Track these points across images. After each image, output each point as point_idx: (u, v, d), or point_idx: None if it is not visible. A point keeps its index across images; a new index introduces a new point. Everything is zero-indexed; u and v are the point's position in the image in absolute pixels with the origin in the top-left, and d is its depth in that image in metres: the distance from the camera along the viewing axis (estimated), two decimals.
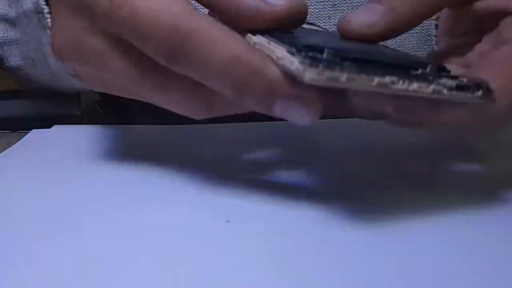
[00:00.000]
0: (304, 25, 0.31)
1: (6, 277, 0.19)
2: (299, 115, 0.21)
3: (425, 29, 0.37)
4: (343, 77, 0.19)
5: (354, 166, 0.28)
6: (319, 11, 0.35)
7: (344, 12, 0.35)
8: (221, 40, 0.21)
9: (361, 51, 0.21)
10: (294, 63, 0.19)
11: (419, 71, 0.21)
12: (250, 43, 0.22)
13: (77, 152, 0.30)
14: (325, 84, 0.19)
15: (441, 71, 0.21)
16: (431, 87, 0.20)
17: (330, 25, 0.36)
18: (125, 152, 0.30)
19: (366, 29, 0.23)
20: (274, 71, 0.21)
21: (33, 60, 0.37)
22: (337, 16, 0.36)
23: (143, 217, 0.23)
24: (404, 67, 0.21)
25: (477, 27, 0.27)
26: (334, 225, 0.22)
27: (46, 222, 0.23)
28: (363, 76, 0.19)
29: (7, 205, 0.25)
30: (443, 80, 0.20)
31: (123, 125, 0.35)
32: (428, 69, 0.21)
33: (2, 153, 0.31)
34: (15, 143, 0.33)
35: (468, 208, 0.23)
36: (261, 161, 0.28)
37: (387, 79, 0.19)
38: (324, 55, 0.19)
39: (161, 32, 0.21)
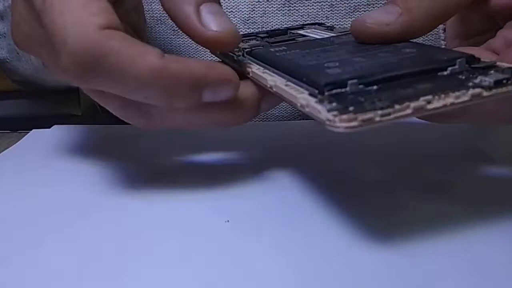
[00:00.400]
0: (308, 29, 0.31)
1: (6, 277, 0.19)
2: (226, 94, 0.22)
3: (434, 33, 0.36)
4: (377, 117, 0.17)
5: (358, 168, 0.28)
6: (317, 11, 0.36)
7: (342, 12, 0.36)
8: (136, 55, 0.20)
9: (381, 66, 0.20)
10: (322, 112, 0.18)
11: (449, 70, 0.20)
12: (266, 86, 0.22)
13: (77, 152, 0.30)
14: (362, 128, 0.17)
15: (472, 63, 0.20)
16: (469, 92, 0.18)
17: None
18: (124, 152, 0.30)
19: (382, 28, 0.23)
20: (194, 67, 0.21)
21: (18, 53, 0.37)
22: (335, 17, 0.36)
23: (143, 217, 0.23)
24: (431, 70, 0.20)
25: (492, 26, 0.27)
26: (335, 225, 0.22)
27: (45, 222, 0.23)
28: (397, 106, 0.17)
29: (7, 205, 0.25)
30: (478, 79, 0.19)
31: (123, 125, 0.35)
32: (457, 65, 0.20)
33: (2, 153, 0.31)
34: (15, 143, 0.33)
35: (483, 217, 0.22)
36: (262, 161, 0.28)
37: (421, 100, 0.18)
38: (348, 88, 0.18)
39: (70, 52, 0.20)
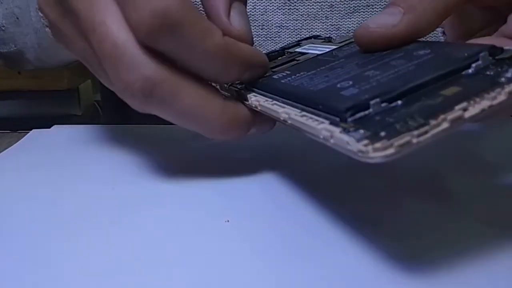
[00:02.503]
0: (305, 45, 0.29)
1: (6, 277, 0.19)
2: (258, 74, 0.25)
3: (433, 36, 0.36)
4: (414, 138, 0.15)
5: (362, 169, 0.27)
6: (317, 11, 0.36)
7: (341, 13, 0.36)
8: (207, 30, 0.22)
9: (400, 77, 0.19)
10: (351, 143, 0.16)
11: (473, 68, 0.18)
12: (279, 118, 0.22)
13: (77, 152, 0.30)
14: (399, 154, 0.15)
15: (495, 54, 0.18)
16: (506, 90, 0.16)
17: (328, 25, 0.36)
18: (124, 152, 0.30)
19: (388, 30, 0.22)
20: (245, 51, 0.23)
21: (17, 18, 0.36)
22: (334, 17, 0.36)
23: (143, 217, 0.23)
24: (454, 71, 0.18)
25: (493, 19, 0.27)
26: (336, 226, 0.22)
27: (45, 222, 0.23)
28: (433, 122, 0.15)
29: (7, 205, 0.25)
30: (509, 72, 0.17)
31: (123, 125, 0.35)
32: (480, 61, 0.18)
33: (2, 153, 0.31)
34: (15, 143, 0.32)
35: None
36: (263, 161, 0.28)
37: (457, 110, 0.16)
38: (372, 109, 0.17)
39: (154, 8, 0.21)
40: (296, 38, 0.31)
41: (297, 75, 0.24)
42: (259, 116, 0.25)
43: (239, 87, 0.26)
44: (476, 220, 0.22)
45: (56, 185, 0.26)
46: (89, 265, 0.20)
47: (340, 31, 0.36)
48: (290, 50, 0.30)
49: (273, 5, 0.36)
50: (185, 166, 0.28)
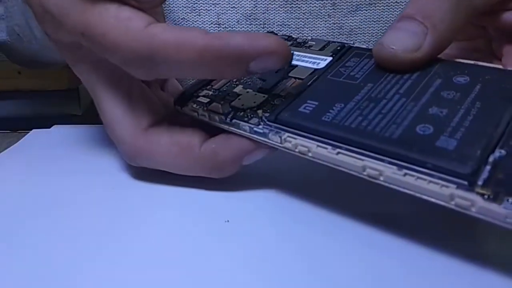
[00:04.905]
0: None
1: (6, 277, 0.19)
2: (272, 65, 0.21)
3: None
4: None
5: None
6: (319, 9, 0.35)
7: (344, 11, 0.35)
8: (181, 41, 0.21)
9: (483, 121, 0.18)
10: (478, 204, 0.16)
11: None
12: (358, 173, 0.19)
13: (77, 152, 0.30)
14: None
15: None
16: None
17: (330, 24, 0.36)
18: None
19: (413, 55, 0.22)
20: (237, 42, 0.21)
21: (19, 35, 0.36)
22: (337, 15, 0.35)
23: (143, 217, 0.23)
24: None
25: (479, 34, 0.27)
26: (335, 227, 0.22)
27: (45, 222, 0.23)
28: None
29: (7, 205, 0.25)
30: None
31: None
32: None
33: (2, 153, 0.31)
34: (15, 143, 0.32)
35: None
36: (262, 162, 0.28)
37: None
38: (489, 166, 0.17)
39: (124, 54, 0.22)
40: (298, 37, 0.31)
41: (335, 108, 0.21)
42: (251, 147, 0.23)
43: (250, 122, 0.23)
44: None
45: (56, 185, 0.26)
46: (87, 265, 0.20)
47: (343, 29, 0.36)
48: None
49: (275, 4, 0.35)
50: None
